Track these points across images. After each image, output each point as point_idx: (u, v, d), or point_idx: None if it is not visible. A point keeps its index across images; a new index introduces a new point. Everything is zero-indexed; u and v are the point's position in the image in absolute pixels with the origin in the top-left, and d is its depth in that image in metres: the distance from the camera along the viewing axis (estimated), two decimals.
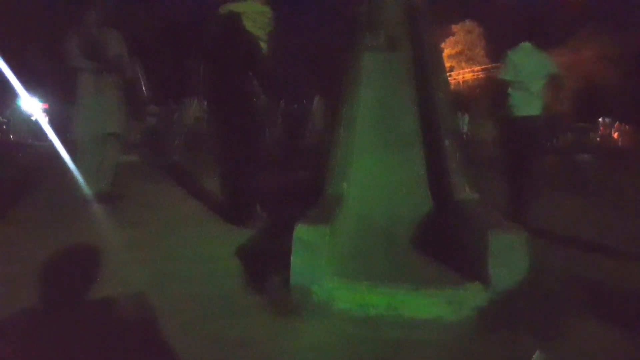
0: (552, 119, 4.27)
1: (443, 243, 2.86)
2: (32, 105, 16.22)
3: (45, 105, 18.21)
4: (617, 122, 18.35)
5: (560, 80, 4.31)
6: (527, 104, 4.03)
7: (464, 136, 12.49)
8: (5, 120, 16.42)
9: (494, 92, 4.76)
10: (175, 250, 3.31)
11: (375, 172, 3.48)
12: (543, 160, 5.16)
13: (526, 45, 4.20)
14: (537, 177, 4.41)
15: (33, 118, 16.36)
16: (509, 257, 2.24)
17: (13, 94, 14.23)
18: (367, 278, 2.38)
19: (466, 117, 14.17)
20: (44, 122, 14.87)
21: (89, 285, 2.54)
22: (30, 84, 14.07)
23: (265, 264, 2.68)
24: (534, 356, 1.83)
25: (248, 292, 2.58)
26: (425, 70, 3.63)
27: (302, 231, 2.35)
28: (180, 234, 3.72)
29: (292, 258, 2.35)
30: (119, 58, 4.47)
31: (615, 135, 18.06)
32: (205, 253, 3.23)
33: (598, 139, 18.13)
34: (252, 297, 2.51)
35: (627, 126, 17.79)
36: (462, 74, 30.69)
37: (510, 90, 4.09)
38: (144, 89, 4.89)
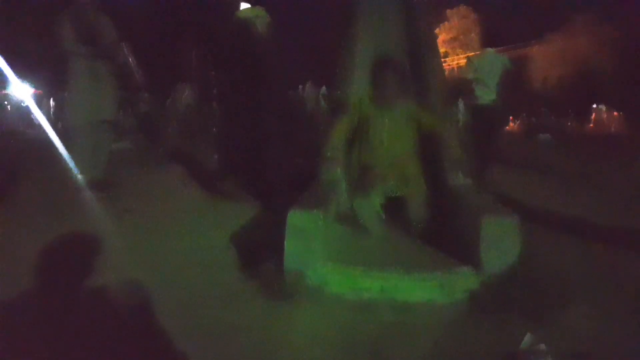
0: (505, 106, 5.81)
1: (436, 228, 2.88)
2: (23, 92, 16.02)
3: (38, 92, 18.01)
4: (611, 110, 18.45)
5: (510, 86, 5.54)
6: (486, 95, 5.19)
7: (460, 122, 12.51)
8: None
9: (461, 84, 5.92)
10: (169, 237, 3.31)
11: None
12: (500, 136, 6.35)
13: (489, 50, 5.38)
14: (494, 147, 5.60)
15: (24, 104, 16.17)
16: (500, 242, 2.27)
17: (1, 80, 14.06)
18: (361, 263, 2.40)
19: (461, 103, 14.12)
20: (35, 108, 14.71)
21: (83, 273, 2.54)
22: (22, 70, 13.90)
23: (260, 250, 2.69)
24: (524, 339, 1.87)
25: (243, 278, 2.60)
26: (420, 56, 3.61)
27: (295, 217, 2.36)
28: (174, 221, 3.71)
29: (286, 244, 2.36)
30: (113, 44, 4.42)
31: (608, 121, 18.17)
32: (199, 239, 3.23)
33: (591, 125, 18.30)
34: (247, 282, 2.53)
35: (620, 113, 17.90)
36: (456, 60, 30.58)
37: (473, 84, 5.23)
38: (136, 75, 4.85)
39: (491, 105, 5.23)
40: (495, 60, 5.28)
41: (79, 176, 4.38)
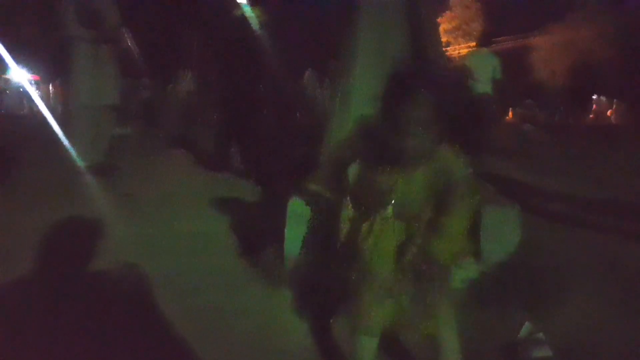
0: (497, 97, 6.32)
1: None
2: (21, 77, 15.93)
3: (36, 77, 17.89)
4: (611, 101, 18.46)
5: (501, 82, 6.03)
6: (479, 87, 5.75)
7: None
8: None
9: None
10: (170, 223, 3.32)
11: None
12: (493, 124, 6.75)
13: (483, 49, 6.14)
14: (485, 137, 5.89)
15: (23, 89, 16.08)
16: (500, 232, 2.27)
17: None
18: None
19: None
20: (34, 93, 14.65)
21: (83, 257, 2.55)
22: (21, 55, 13.83)
23: (261, 237, 2.70)
24: (523, 328, 1.89)
25: (243, 264, 2.61)
26: (422, 45, 3.58)
27: (296, 205, 2.36)
28: (175, 207, 3.71)
29: (286, 231, 2.37)
30: (116, 28, 4.38)
31: (609, 112, 18.17)
32: (200, 226, 3.24)
33: (591, 115, 18.36)
34: (247, 268, 2.54)
35: (622, 105, 17.89)
36: (458, 50, 30.37)
37: (469, 77, 5.75)
38: (138, 61, 4.83)
39: (482, 97, 5.83)
40: (487, 58, 5.95)
41: (80, 160, 4.38)
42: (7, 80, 17.08)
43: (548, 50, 24.98)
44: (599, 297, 2.25)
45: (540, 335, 1.83)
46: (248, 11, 4.67)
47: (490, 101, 5.93)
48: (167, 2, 19.15)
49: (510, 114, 18.23)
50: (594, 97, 19.55)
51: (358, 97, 3.55)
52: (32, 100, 13.92)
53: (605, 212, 3.86)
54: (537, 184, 4.86)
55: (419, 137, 1.39)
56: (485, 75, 5.76)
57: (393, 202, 1.53)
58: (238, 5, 4.66)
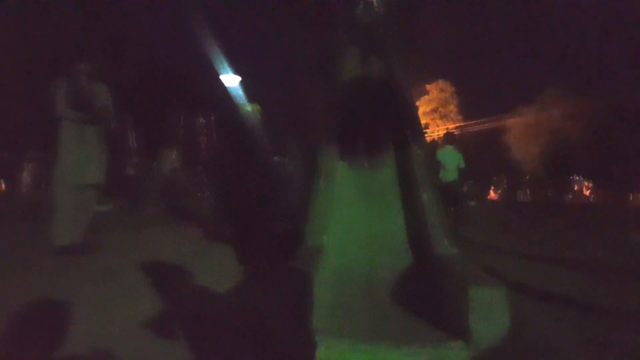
0: (462, 183, 8.15)
1: (424, 297, 2.84)
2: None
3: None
4: (586, 181, 19.10)
5: (463, 169, 7.78)
6: (448, 175, 7.43)
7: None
8: None
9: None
10: (147, 308, 3.16)
11: (355, 224, 3.49)
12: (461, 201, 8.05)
13: (449, 147, 7.78)
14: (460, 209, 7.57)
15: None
16: (490, 313, 2.23)
17: None
18: (348, 334, 2.33)
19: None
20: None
21: (54, 342, 2.42)
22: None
23: (246, 318, 2.61)
24: None
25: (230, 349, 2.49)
26: (402, 125, 3.75)
27: None
28: (154, 290, 3.56)
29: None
30: (105, 110, 4.47)
31: (587, 192, 18.73)
32: (179, 307, 3.11)
33: (570, 196, 18.88)
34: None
35: (591, 184, 18.49)
36: (436, 131, 31.70)
37: (440, 168, 7.39)
38: (125, 140, 4.90)
39: (451, 182, 7.41)
40: (452, 152, 7.66)
41: (60, 239, 4.26)
42: None
43: (521, 131, 26.18)
44: None
45: None
46: (233, 91, 4.91)
47: (459, 185, 7.69)
48: (153, 82, 19.83)
49: (492, 193, 18.67)
50: (574, 177, 20.20)
51: (341, 175, 3.64)
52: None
53: (592, 289, 3.86)
54: (523, 262, 4.90)
55: None
56: (451, 165, 7.45)
57: None
58: (224, 86, 4.89)
